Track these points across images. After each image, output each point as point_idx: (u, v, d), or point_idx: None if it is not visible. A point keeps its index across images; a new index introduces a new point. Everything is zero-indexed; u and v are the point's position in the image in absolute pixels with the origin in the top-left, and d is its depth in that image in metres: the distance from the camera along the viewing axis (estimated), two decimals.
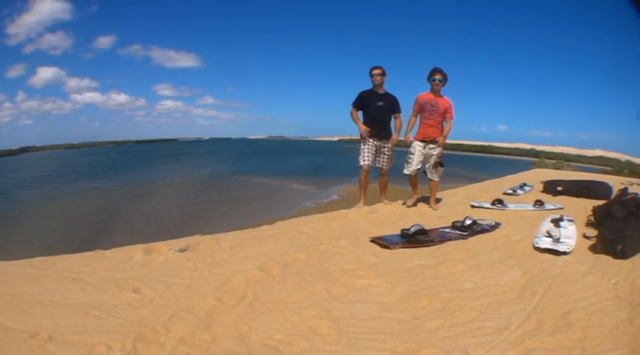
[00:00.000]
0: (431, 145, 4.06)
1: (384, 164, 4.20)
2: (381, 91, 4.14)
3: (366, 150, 4.09)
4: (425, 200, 4.30)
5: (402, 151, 4.27)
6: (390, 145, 4.19)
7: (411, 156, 4.09)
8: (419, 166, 4.11)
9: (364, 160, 4.06)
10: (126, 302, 1.78)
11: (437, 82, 3.98)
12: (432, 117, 4.03)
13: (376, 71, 4.10)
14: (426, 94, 4.08)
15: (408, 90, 4.51)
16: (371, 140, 4.10)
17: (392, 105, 4.18)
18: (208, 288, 1.94)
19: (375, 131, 4.11)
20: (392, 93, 4.24)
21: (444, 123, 4.09)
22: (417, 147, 4.09)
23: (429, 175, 4.13)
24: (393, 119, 4.25)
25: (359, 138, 4.27)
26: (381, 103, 4.11)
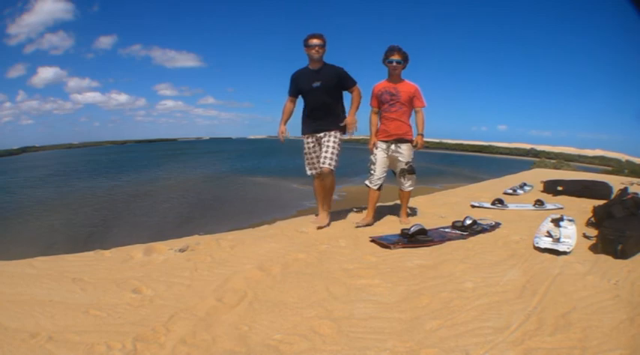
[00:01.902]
0: (395, 146, 3.24)
1: (325, 160, 3.04)
2: (316, 67, 3.05)
3: (307, 156, 3.23)
4: (398, 209, 3.61)
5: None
6: (331, 137, 3.08)
7: (372, 165, 3.30)
8: (383, 176, 3.30)
9: (309, 170, 3.25)
10: (126, 302, 1.78)
11: (394, 64, 3.14)
12: (394, 108, 3.22)
13: (315, 41, 2.98)
14: (382, 82, 3.27)
15: None
16: (309, 137, 3.18)
17: (336, 81, 3.07)
18: (208, 288, 1.94)
19: (314, 124, 3.13)
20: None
21: (414, 114, 3.27)
22: (379, 150, 3.29)
23: (399, 185, 3.40)
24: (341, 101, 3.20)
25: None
26: (317, 84, 3.03)
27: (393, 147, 3.26)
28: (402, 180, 3.34)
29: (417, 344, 1.46)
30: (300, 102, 3.24)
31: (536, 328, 1.57)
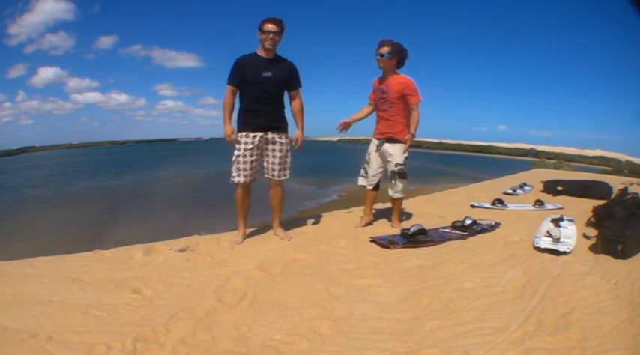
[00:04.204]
0: (385, 144, 3.04)
1: (275, 172, 2.73)
2: (269, 56, 2.62)
3: (239, 158, 2.63)
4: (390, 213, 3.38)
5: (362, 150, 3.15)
6: (283, 141, 2.71)
7: (365, 164, 3.17)
8: (378, 175, 3.15)
9: (238, 176, 2.64)
10: (126, 302, 1.78)
11: (378, 57, 2.91)
12: (384, 107, 2.99)
13: (270, 26, 2.54)
14: (379, 78, 3.08)
15: None
16: (249, 135, 2.64)
17: (287, 78, 2.67)
18: (208, 288, 1.95)
19: (265, 119, 2.65)
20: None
21: (411, 111, 2.97)
22: (371, 148, 3.13)
23: (389, 191, 3.16)
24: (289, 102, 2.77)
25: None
26: (269, 74, 2.59)
27: (383, 146, 3.07)
28: (393, 183, 3.10)
29: (417, 345, 1.46)
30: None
31: (536, 328, 1.57)
